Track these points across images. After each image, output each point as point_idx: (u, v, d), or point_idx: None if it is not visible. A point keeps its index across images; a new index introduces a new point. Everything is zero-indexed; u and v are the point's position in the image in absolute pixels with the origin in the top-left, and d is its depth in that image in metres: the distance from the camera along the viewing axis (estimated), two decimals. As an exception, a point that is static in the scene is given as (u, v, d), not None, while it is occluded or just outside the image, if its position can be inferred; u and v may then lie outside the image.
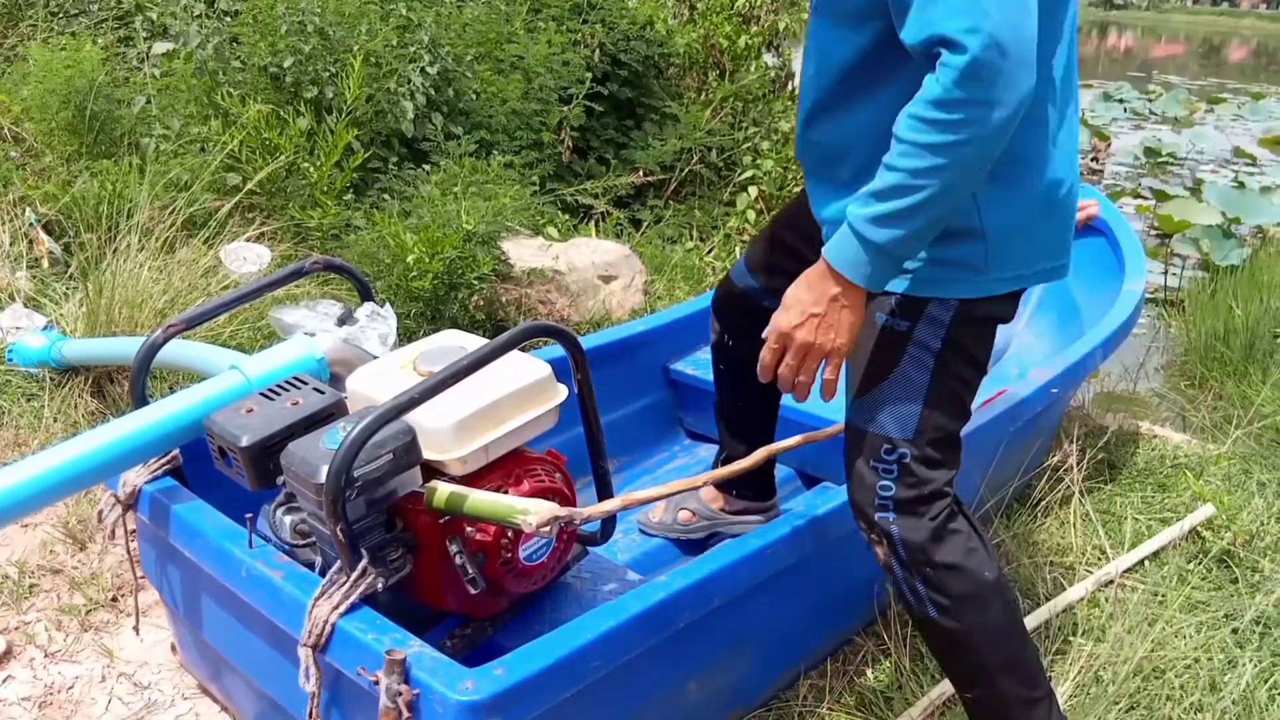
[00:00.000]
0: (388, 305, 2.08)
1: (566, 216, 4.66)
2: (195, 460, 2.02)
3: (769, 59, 6.25)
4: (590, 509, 1.75)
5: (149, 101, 4.00)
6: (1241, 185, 8.45)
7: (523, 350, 1.93)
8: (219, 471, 1.91)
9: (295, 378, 1.88)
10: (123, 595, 2.55)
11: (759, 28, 6.14)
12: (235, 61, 4.09)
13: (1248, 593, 2.63)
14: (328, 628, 1.59)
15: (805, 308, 1.62)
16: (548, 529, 1.64)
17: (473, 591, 1.79)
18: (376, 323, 2.03)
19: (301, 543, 1.80)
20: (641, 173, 5.22)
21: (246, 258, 3.79)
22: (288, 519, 1.81)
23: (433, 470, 1.80)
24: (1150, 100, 14.68)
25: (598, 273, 4.02)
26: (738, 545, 1.91)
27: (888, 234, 1.53)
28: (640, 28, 5.41)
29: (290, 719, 1.82)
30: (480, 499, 1.70)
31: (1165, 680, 2.28)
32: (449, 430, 1.74)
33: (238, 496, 1.92)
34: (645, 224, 5.10)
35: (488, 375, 1.76)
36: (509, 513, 1.67)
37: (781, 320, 1.64)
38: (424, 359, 1.86)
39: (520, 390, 1.84)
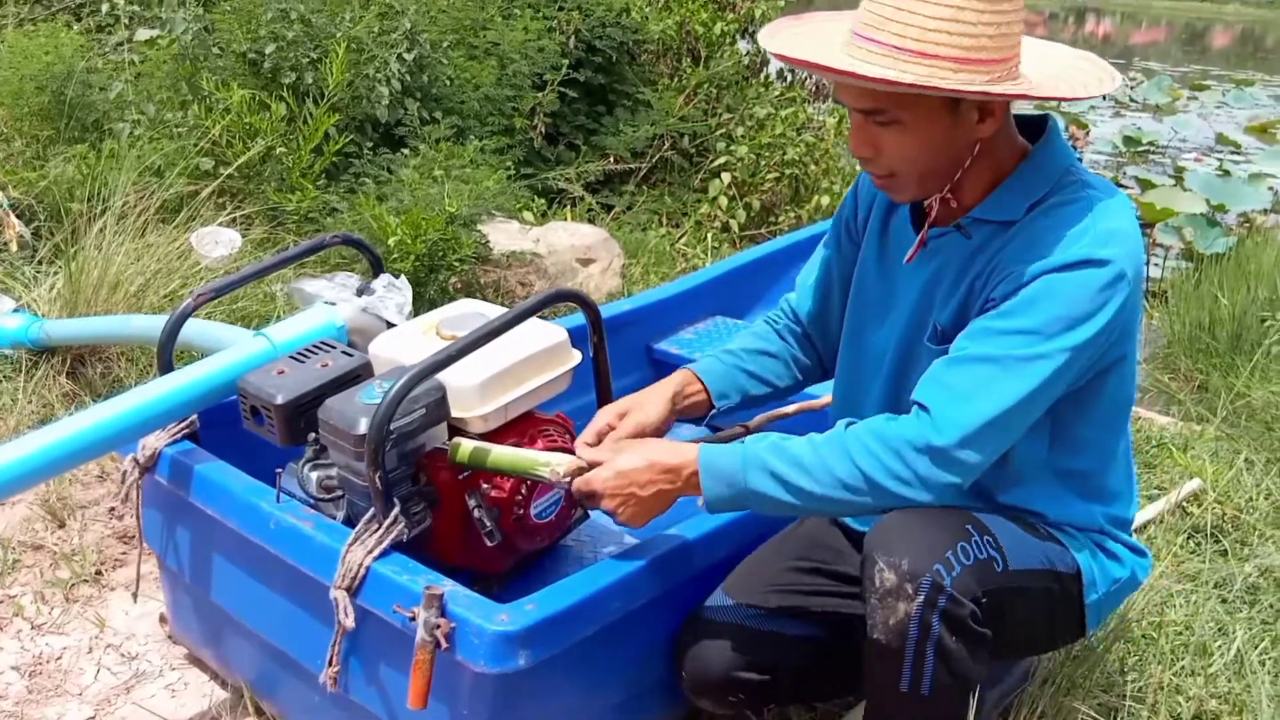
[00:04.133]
0: (402, 277, 2.31)
1: (541, 201, 4.90)
2: (206, 426, 2.22)
3: (744, 45, 6.51)
4: None
5: (126, 84, 4.20)
6: (1226, 173, 8.75)
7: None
8: (229, 438, 2.12)
9: (323, 342, 2.11)
10: (107, 570, 2.73)
11: (734, 15, 6.40)
12: (214, 48, 4.31)
13: (1237, 564, 2.82)
14: (362, 570, 1.79)
15: (635, 485, 1.81)
16: (568, 480, 1.87)
17: (489, 544, 2.02)
18: (393, 293, 2.26)
19: (327, 497, 2.02)
20: (612, 159, 5.46)
21: (219, 241, 3.98)
22: (314, 475, 2.03)
23: (454, 429, 2.03)
24: (1130, 87, 15.06)
25: (576, 256, 4.26)
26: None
27: (774, 492, 1.74)
28: (616, 14, 5.64)
29: (299, 671, 2.02)
30: (503, 453, 1.93)
31: (1156, 646, 2.46)
32: (474, 389, 1.97)
33: (244, 462, 2.11)
34: (615, 209, 5.34)
35: (508, 339, 1.99)
36: (532, 465, 1.89)
37: (605, 483, 1.82)
38: (446, 324, 2.09)
39: (540, 353, 2.08)
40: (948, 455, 1.65)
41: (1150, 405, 4.12)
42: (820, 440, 1.74)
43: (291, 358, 2.07)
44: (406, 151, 4.30)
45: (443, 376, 1.92)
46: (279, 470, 2.02)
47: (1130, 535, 1.99)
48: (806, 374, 2.17)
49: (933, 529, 1.70)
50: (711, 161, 5.73)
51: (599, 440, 1.94)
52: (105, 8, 4.63)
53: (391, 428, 1.83)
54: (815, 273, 2.15)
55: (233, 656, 2.32)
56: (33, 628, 2.54)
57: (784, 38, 1.80)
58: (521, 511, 2.08)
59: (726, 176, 5.58)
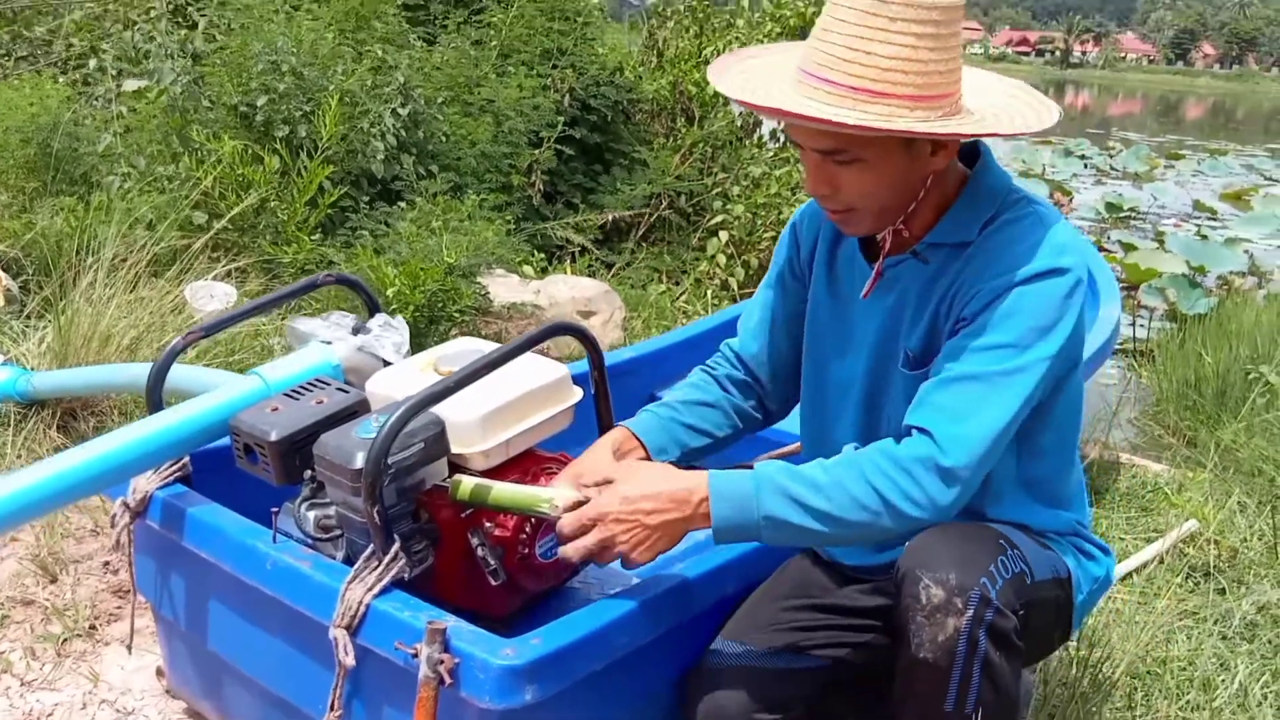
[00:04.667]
0: (399, 316, 2.25)
1: (541, 256, 4.89)
2: (198, 472, 2.13)
3: (737, 107, 6.54)
4: None
5: (116, 137, 4.18)
6: (1204, 237, 8.94)
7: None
8: (222, 481, 2.04)
9: (317, 379, 2.04)
10: (101, 624, 2.63)
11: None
12: (204, 101, 4.29)
13: (1235, 601, 2.86)
14: (362, 609, 1.71)
15: (641, 513, 1.69)
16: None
17: (494, 583, 1.94)
18: (389, 332, 2.20)
19: (325, 537, 1.94)
20: (610, 216, 5.46)
21: (214, 295, 3.94)
22: (311, 514, 1.94)
23: (455, 466, 1.96)
24: (1111, 156, 15.33)
25: (577, 307, 4.23)
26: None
27: (789, 515, 1.66)
28: (610, 73, 5.68)
29: (301, 718, 1.92)
30: (505, 490, 1.85)
31: (1161, 681, 2.49)
32: (475, 423, 1.90)
33: (239, 509, 2.04)
34: (615, 266, 5.33)
35: (509, 373, 1.93)
36: (534, 501, 1.82)
37: (609, 507, 1.70)
38: (444, 360, 2.02)
39: (541, 388, 2.01)
40: (954, 474, 1.64)
41: (1144, 455, 4.19)
42: (831, 464, 1.71)
43: (286, 395, 2.00)
44: (404, 205, 4.28)
45: (443, 412, 1.86)
46: (275, 510, 1.94)
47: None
48: (747, 421, 2.11)
49: (970, 544, 1.69)
50: (709, 220, 5.75)
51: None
52: (92, 63, 4.62)
53: (389, 461, 1.75)
54: (757, 314, 2.11)
55: (232, 707, 2.22)
56: (22, 684, 2.44)
57: (733, 77, 1.77)
58: (526, 550, 2.01)
59: (724, 235, 5.60)
